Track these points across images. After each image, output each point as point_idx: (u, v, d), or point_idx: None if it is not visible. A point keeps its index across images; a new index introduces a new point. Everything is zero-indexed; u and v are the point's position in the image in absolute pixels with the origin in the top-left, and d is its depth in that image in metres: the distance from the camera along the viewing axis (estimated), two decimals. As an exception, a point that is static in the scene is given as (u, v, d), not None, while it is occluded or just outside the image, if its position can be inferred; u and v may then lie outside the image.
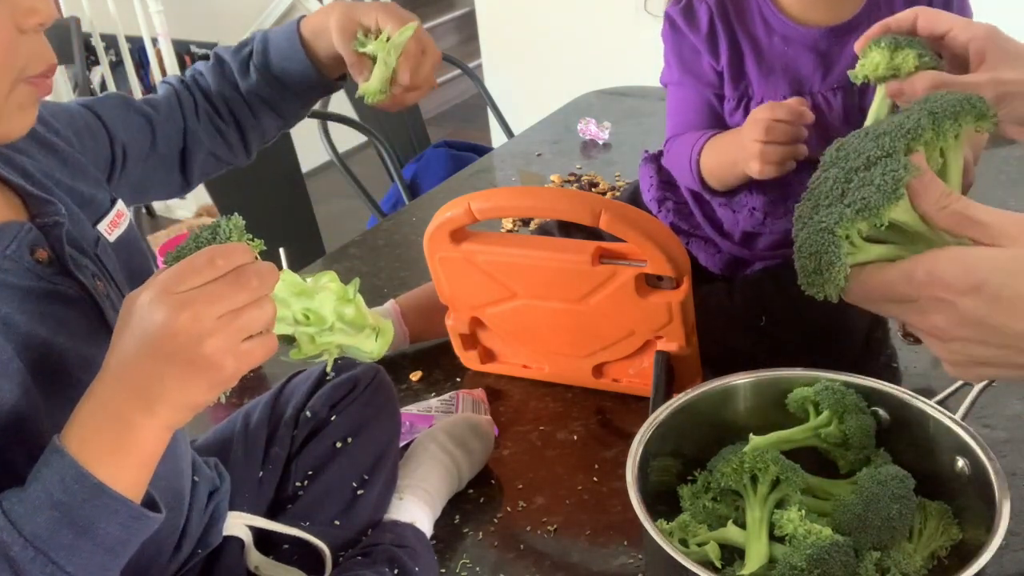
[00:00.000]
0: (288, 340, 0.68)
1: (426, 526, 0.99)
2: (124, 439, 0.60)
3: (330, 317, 0.68)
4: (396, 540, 0.93)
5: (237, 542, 0.90)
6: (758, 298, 1.22)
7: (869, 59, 0.92)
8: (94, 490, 0.59)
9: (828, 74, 1.18)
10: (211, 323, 0.59)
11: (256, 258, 0.64)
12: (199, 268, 0.60)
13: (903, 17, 0.93)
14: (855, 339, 1.22)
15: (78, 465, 0.59)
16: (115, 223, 0.83)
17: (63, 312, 0.72)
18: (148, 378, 0.59)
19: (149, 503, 0.63)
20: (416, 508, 0.98)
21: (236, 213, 0.67)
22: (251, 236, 0.66)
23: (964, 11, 1.21)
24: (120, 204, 0.85)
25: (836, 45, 1.17)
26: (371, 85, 0.94)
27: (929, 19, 0.91)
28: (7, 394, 0.66)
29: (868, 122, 0.88)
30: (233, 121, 1.01)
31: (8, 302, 0.69)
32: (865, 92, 1.19)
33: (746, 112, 1.21)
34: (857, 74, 0.92)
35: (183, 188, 1.02)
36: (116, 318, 0.75)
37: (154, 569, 0.82)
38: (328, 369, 0.72)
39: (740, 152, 1.12)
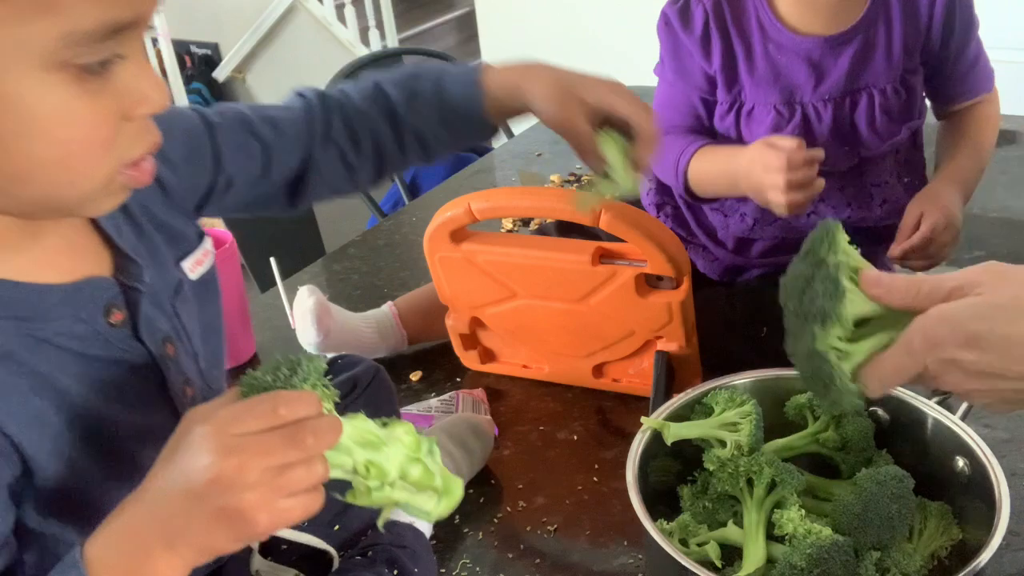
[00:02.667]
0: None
1: (425, 527, 0.99)
2: (140, 568, 0.58)
3: (393, 473, 0.63)
4: (395, 540, 0.93)
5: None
6: (758, 307, 1.22)
7: None
8: None
9: (819, 84, 1.18)
10: (255, 476, 0.56)
11: (328, 409, 0.61)
12: (260, 414, 0.58)
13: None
14: None
15: None
16: (200, 261, 0.81)
17: (124, 379, 0.70)
18: (177, 514, 0.57)
19: None
20: None
21: (324, 356, 0.64)
22: (328, 380, 0.63)
23: (967, 41, 1.21)
24: (207, 242, 0.82)
25: (829, 56, 1.17)
26: (624, 182, 0.84)
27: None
28: (51, 469, 0.64)
29: None
30: (374, 156, 0.93)
31: (67, 372, 0.66)
32: (855, 105, 1.19)
33: (737, 117, 1.21)
34: None
35: (288, 211, 0.96)
36: (179, 379, 0.74)
37: None
38: (379, 524, 0.68)
39: (752, 179, 1.10)
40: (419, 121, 0.92)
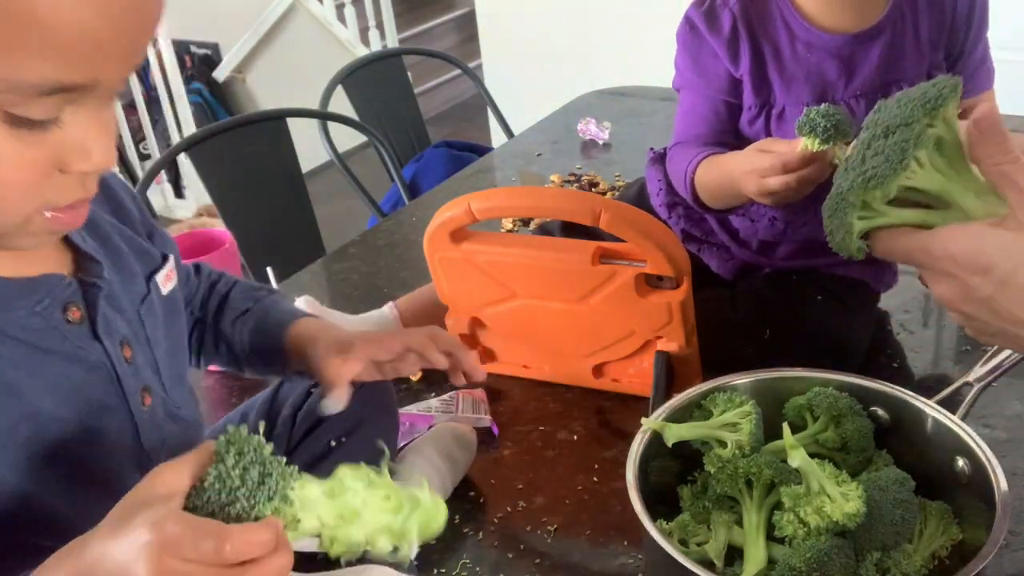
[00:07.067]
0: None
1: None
2: None
3: (361, 540, 0.61)
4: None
5: None
6: (761, 310, 1.22)
7: None
8: None
9: (851, 81, 1.17)
10: None
11: (293, 524, 0.58)
12: (204, 550, 0.54)
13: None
14: (859, 349, 1.21)
15: None
16: (169, 276, 0.82)
17: (81, 378, 0.70)
18: None
19: None
20: None
21: (297, 469, 0.60)
22: (295, 485, 0.59)
23: (980, 36, 1.20)
24: (172, 261, 0.83)
25: (860, 51, 1.16)
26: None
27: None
28: (6, 471, 0.64)
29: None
30: (200, 343, 0.98)
31: (20, 365, 0.66)
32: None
33: (767, 120, 1.20)
34: None
35: None
36: (136, 385, 0.74)
37: None
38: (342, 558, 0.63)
39: (749, 185, 1.08)
40: (234, 333, 0.96)
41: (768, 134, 1.20)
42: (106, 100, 0.60)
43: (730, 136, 1.23)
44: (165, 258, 0.83)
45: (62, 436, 0.68)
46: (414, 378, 1.28)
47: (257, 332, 0.95)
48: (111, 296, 0.73)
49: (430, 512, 0.63)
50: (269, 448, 0.59)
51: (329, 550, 0.60)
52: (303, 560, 0.89)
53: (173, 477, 0.58)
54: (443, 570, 0.97)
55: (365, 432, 0.98)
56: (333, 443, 0.97)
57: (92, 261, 0.72)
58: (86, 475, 0.71)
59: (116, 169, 0.85)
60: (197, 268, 1.00)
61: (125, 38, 0.56)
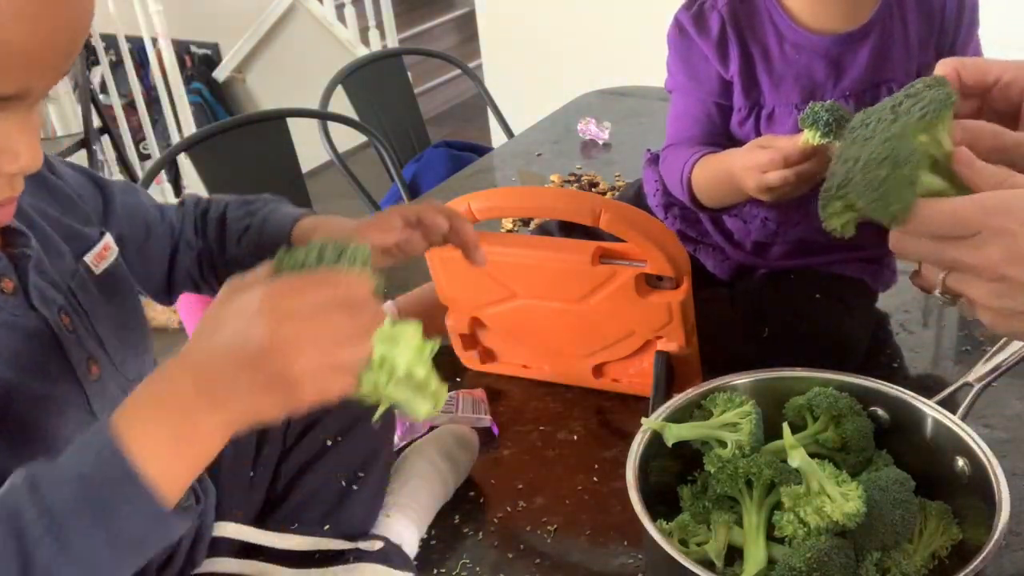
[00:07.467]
0: None
1: (409, 542, 0.97)
2: (183, 432, 0.57)
3: (401, 370, 0.64)
4: (381, 558, 0.92)
5: (225, 543, 0.90)
6: (760, 310, 1.22)
7: None
8: (127, 477, 0.56)
9: (839, 81, 1.17)
10: (310, 346, 0.57)
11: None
12: (319, 287, 0.58)
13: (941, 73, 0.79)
14: (859, 349, 1.21)
15: (119, 449, 0.56)
16: (102, 256, 0.82)
17: (20, 345, 0.71)
18: (224, 378, 0.57)
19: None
20: (401, 526, 0.97)
21: (367, 243, 0.64)
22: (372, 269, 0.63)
23: (972, 33, 1.20)
24: (108, 238, 0.84)
25: (848, 52, 1.16)
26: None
27: (974, 71, 0.78)
28: None
29: None
30: (213, 273, 1.00)
31: None
32: (877, 99, 1.18)
33: (757, 122, 1.20)
34: None
35: (165, 295, 0.99)
36: (80, 354, 0.74)
37: None
38: (375, 418, 0.66)
39: (748, 182, 1.08)
40: (242, 253, 0.97)
41: (758, 135, 1.20)
42: (34, 105, 0.61)
43: (722, 138, 1.23)
44: (102, 234, 0.83)
45: (5, 397, 0.69)
46: (414, 378, 1.28)
47: (262, 245, 0.95)
48: (42, 268, 0.74)
49: (439, 389, 0.68)
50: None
51: (378, 375, 0.63)
52: (297, 558, 0.90)
53: (252, 274, 0.60)
54: (443, 570, 0.97)
55: (360, 431, 0.98)
56: (329, 443, 0.97)
57: (19, 234, 0.73)
58: (37, 440, 0.71)
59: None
60: (182, 203, 1.00)
61: (56, 52, 0.58)
